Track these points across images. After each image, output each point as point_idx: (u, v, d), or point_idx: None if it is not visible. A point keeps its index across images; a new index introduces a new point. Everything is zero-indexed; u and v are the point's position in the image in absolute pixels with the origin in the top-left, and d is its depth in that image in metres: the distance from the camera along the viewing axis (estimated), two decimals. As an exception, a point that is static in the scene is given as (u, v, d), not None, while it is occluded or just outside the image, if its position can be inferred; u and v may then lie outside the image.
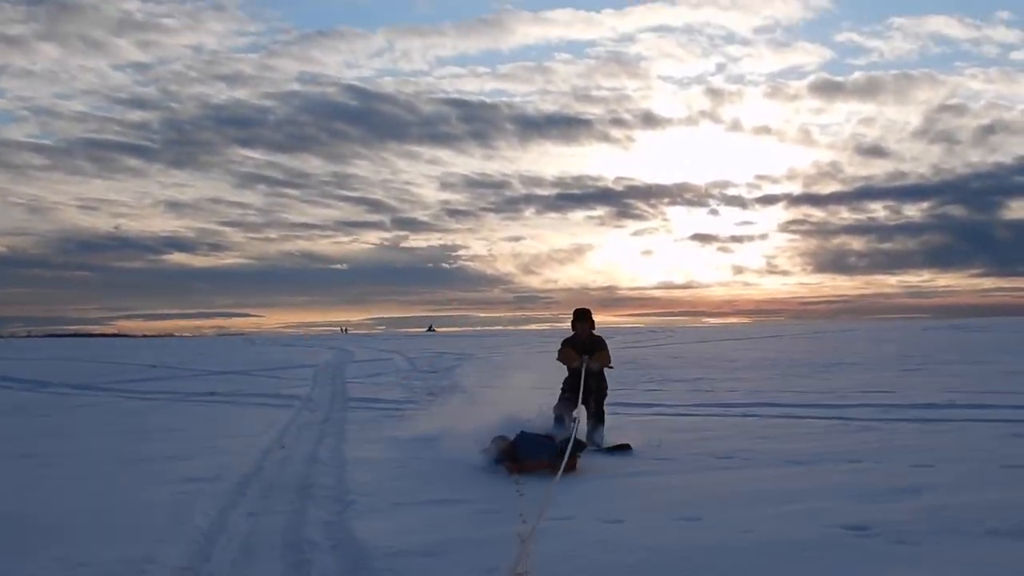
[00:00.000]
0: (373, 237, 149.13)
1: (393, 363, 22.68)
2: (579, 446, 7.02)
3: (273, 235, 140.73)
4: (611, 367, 8.69)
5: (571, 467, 6.76)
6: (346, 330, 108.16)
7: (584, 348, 8.61)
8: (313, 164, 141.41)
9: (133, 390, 15.74)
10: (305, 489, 5.93)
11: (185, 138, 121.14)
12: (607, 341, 8.71)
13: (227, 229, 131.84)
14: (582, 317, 8.75)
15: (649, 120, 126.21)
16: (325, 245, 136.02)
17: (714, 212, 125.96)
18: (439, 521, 4.97)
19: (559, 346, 8.73)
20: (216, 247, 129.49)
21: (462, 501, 5.63)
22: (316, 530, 4.74)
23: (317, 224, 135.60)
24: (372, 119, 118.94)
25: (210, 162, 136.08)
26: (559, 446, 6.90)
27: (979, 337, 33.23)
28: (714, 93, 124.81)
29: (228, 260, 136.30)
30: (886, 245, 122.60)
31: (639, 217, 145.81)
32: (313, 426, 9.88)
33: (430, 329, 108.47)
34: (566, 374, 8.56)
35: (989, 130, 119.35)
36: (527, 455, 6.84)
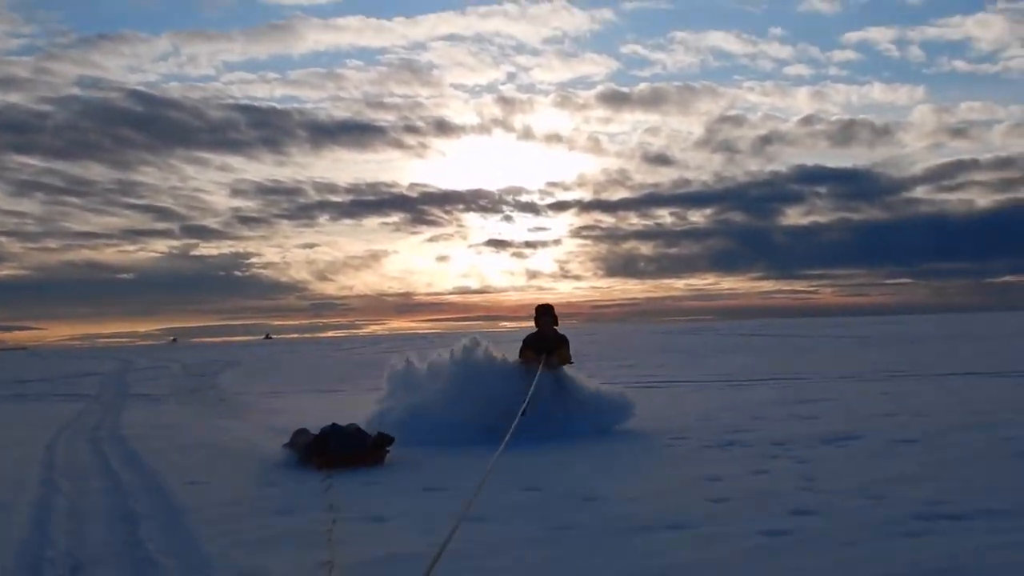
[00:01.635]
0: (161, 245, 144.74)
1: (169, 370, 28.24)
2: (387, 440, 7.32)
3: (53, 245, 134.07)
4: (572, 363, 8.97)
5: (379, 460, 7.15)
6: (175, 340, 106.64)
7: (546, 344, 8.76)
8: (96, 171, 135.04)
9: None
10: (95, 430, 12.18)
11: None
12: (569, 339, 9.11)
13: (2, 239, 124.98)
14: (545, 312, 8.90)
15: (442, 127, 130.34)
16: (110, 254, 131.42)
17: (508, 218, 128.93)
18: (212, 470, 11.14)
19: (520, 345, 8.91)
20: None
21: (264, 486, 6.53)
22: (107, 443, 11.11)
23: (101, 233, 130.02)
24: (158, 125, 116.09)
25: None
26: (372, 439, 7.23)
27: (684, 339, 40.84)
28: (505, 101, 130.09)
29: (4, 271, 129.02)
30: (673, 250, 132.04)
31: (434, 223, 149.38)
32: (100, 409, 15.84)
33: (267, 337, 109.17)
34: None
35: (766, 140, 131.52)
36: (338, 449, 7.00)
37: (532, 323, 9.17)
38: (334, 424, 7.27)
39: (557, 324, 8.98)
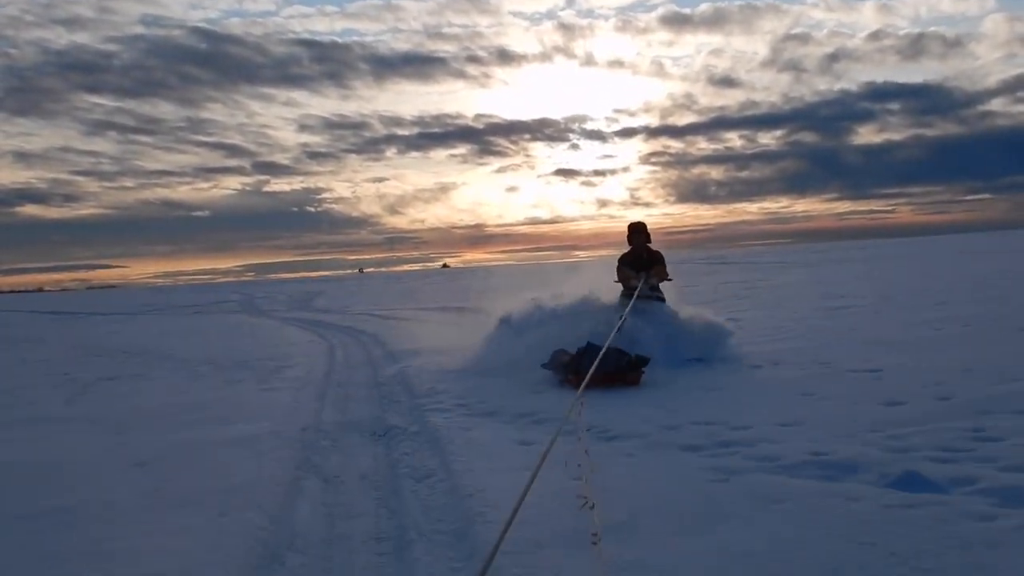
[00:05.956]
0: (234, 182, 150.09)
1: (275, 297, 40.02)
2: (643, 361, 7.24)
3: (129, 183, 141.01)
4: (669, 279, 8.90)
5: (634, 381, 7.09)
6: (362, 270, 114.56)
7: (641, 262, 8.81)
8: (164, 109, 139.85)
9: (175, 312, 32.28)
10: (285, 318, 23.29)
11: (27, 85, 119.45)
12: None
13: (80, 178, 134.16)
14: (638, 230, 8.95)
15: (504, 57, 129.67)
16: (185, 192, 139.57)
17: (575, 147, 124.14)
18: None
19: (616, 264, 8.96)
20: (70, 198, 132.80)
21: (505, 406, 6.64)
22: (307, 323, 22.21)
23: (174, 171, 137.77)
24: (222, 62, 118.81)
25: (56, 110, 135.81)
26: (629, 358, 7.13)
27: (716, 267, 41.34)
28: (566, 28, 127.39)
29: (84, 211, 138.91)
30: (744, 173, 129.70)
31: (501, 154, 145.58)
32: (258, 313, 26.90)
33: (444, 266, 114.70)
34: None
35: (833, 58, 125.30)
36: (591, 367, 6.51)
37: (604, 252, 8.99)
38: (589, 343, 7.36)
39: (650, 241, 9.10)
